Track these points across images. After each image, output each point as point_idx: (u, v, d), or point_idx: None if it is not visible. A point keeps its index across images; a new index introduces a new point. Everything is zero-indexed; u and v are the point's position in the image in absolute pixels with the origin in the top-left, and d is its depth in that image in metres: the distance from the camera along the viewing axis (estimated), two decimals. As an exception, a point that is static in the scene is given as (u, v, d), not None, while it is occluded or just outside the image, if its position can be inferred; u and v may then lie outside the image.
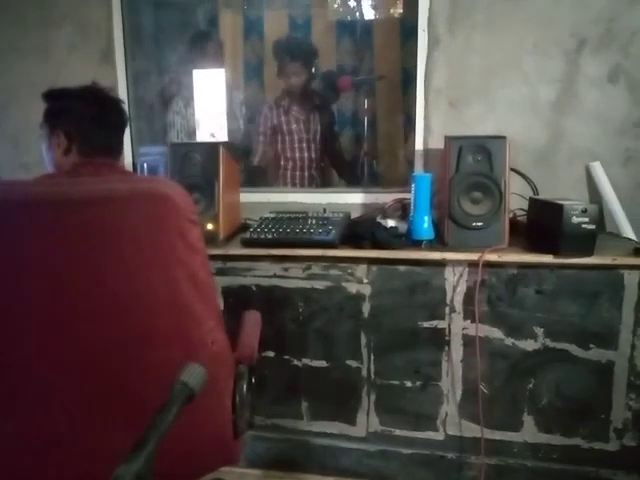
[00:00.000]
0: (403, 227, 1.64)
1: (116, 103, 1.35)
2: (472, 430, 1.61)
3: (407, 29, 2.48)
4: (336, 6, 2.91)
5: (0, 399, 0.97)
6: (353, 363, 1.65)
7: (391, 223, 1.69)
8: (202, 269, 0.94)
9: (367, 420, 1.68)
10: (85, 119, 1.26)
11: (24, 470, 1.00)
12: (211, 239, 1.61)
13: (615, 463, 1.55)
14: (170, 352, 0.92)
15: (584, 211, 1.39)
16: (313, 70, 2.56)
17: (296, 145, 2.54)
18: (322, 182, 2.62)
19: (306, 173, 2.55)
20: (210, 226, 1.63)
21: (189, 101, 2.57)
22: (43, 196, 0.87)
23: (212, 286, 0.99)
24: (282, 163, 2.55)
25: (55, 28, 2.10)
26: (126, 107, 1.42)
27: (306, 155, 2.54)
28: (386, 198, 1.92)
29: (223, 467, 1.18)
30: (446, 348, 1.59)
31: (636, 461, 1.54)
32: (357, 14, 2.90)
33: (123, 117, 1.37)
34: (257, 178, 2.58)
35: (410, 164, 1.98)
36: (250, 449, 1.74)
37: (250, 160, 2.58)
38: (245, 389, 1.07)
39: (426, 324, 1.59)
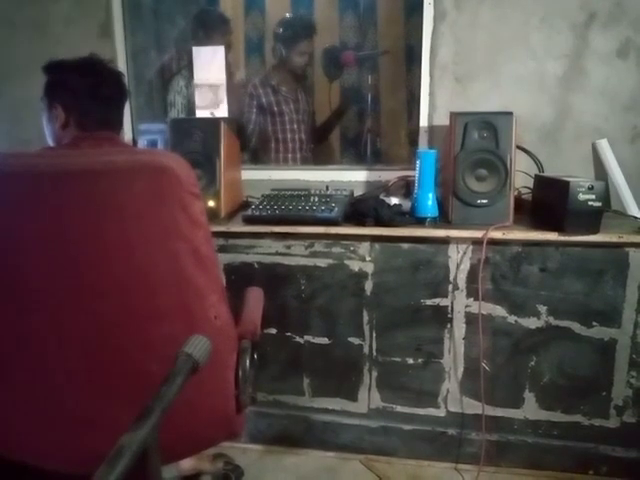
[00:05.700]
0: (407, 205, 1.63)
1: (114, 75, 1.32)
2: (473, 407, 1.62)
3: (411, 3, 2.41)
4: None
5: (3, 370, 0.97)
6: (355, 340, 1.65)
7: (394, 201, 1.67)
8: (204, 243, 0.93)
9: (368, 396, 1.69)
10: (81, 92, 1.23)
11: (28, 439, 1.01)
12: (213, 216, 1.60)
13: (615, 439, 1.56)
14: (173, 326, 0.92)
15: (590, 188, 1.37)
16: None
17: (287, 126, 2.47)
18: (315, 163, 2.57)
19: (298, 155, 2.51)
20: (211, 203, 1.62)
21: (190, 80, 2.52)
22: (43, 168, 0.85)
23: (214, 260, 0.98)
24: (273, 145, 2.49)
25: (52, 1, 2.06)
26: (126, 80, 1.39)
27: (297, 137, 2.49)
28: (389, 175, 1.90)
29: (225, 442, 1.19)
30: (448, 326, 1.59)
31: (636, 438, 1.55)
32: (360, -13, 2.83)
33: (122, 90, 1.33)
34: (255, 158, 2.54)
35: (414, 141, 1.95)
36: (252, 425, 1.75)
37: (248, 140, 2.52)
38: (248, 364, 1.06)
39: (429, 302, 1.58)
